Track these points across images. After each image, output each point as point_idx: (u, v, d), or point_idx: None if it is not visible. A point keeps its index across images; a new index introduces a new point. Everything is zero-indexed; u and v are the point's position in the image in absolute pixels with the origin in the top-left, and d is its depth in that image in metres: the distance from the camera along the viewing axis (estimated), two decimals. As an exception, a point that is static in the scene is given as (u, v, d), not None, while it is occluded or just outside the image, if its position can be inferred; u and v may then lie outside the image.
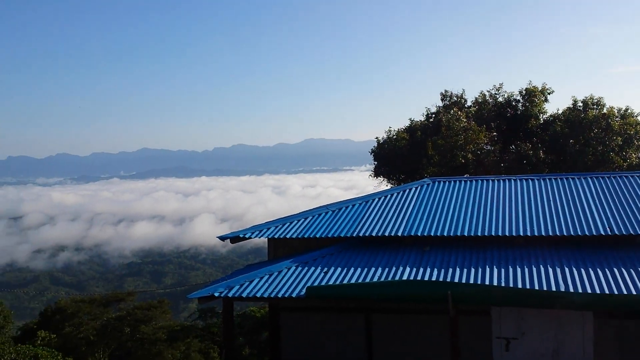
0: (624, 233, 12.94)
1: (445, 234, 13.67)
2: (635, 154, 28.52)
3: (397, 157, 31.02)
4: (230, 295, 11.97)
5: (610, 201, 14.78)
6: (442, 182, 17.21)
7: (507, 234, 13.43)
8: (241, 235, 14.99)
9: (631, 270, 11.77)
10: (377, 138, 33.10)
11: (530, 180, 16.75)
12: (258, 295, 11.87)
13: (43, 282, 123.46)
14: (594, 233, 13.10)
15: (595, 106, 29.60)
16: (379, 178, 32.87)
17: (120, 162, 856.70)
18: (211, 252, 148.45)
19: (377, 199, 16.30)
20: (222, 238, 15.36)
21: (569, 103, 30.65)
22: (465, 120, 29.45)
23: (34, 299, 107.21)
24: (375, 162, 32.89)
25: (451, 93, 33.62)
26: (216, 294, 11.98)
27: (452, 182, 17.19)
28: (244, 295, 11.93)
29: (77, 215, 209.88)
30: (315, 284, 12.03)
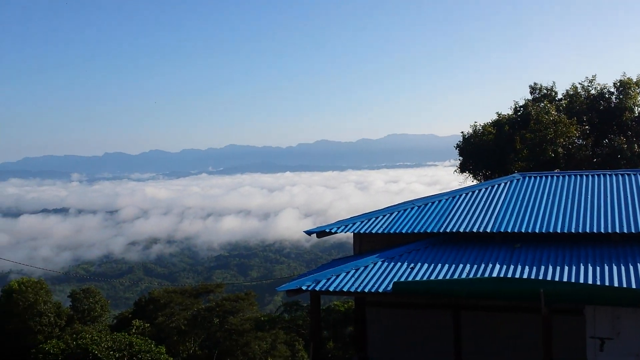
0: None
1: (537, 230, 13.27)
2: None
3: (484, 151, 30.30)
4: (317, 288, 12.16)
5: None
6: (532, 177, 16.71)
7: (601, 230, 12.89)
8: (327, 230, 15.16)
9: None
10: (462, 133, 32.45)
11: (625, 176, 15.95)
12: (345, 289, 11.98)
13: (137, 273, 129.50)
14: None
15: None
16: (464, 173, 32.24)
17: (208, 158, 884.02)
18: (295, 247, 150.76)
19: (464, 195, 16.03)
20: (309, 232, 15.59)
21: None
22: (555, 113, 28.41)
23: (128, 289, 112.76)
24: (461, 157, 32.24)
25: (541, 86, 32.51)
26: (304, 287, 12.21)
27: (543, 177, 16.65)
28: (331, 289, 12.08)
29: (168, 209, 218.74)
30: (402, 279, 12.01)
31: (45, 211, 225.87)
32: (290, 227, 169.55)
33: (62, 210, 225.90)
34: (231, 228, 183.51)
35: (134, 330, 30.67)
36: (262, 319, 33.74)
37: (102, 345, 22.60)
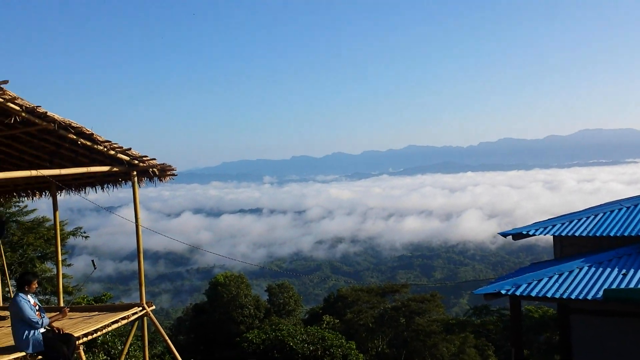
0: None
1: None
2: None
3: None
4: (517, 293, 11.68)
5: None
6: None
7: None
8: (524, 232, 14.48)
9: None
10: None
11: None
12: (548, 295, 11.37)
13: (325, 270, 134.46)
14: None
15: None
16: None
17: (388, 159, 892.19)
18: (479, 248, 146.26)
19: (682, 195, 14.42)
20: (504, 234, 15.02)
21: None
22: None
23: (317, 286, 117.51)
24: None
25: None
26: (503, 292, 11.79)
27: None
28: (533, 294, 11.53)
29: (352, 209, 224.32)
30: (613, 286, 11.11)
31: (242, 211, 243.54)
32: (474, 228, 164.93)
33: (257, 211, 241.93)
34: (413, 228, 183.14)
35: (324, 325, 31.88)
36: (451, 321, 33.17)
37: (297, 337, 23.82)
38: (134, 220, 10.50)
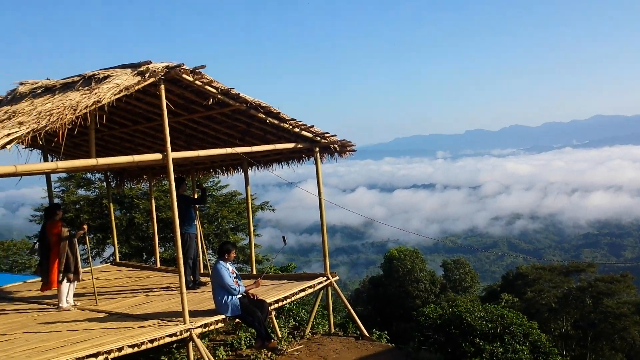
0: None
1: None
2: None
3: None
4: None
5: None
6: None
7: None
8: None
9: None
10: None
11: None
12: None
13: (501, 247, 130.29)
14: None
15: None
16: None
17: (572, 130, 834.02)
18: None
19: None
20: None
21: None
22: None
23: (493, 263, 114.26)
24: None
25: None
26: None
27: None
28: None
29: (530, 184, 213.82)
30: None
31: (414, 186, 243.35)
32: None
33: (430, 186, 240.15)
34: (600, 204, 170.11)
35: (502, 304, 30.97)
36: (644, 304, 30.57)
37: (475, 314, 23.43)
38: (316, 194, 10.97)
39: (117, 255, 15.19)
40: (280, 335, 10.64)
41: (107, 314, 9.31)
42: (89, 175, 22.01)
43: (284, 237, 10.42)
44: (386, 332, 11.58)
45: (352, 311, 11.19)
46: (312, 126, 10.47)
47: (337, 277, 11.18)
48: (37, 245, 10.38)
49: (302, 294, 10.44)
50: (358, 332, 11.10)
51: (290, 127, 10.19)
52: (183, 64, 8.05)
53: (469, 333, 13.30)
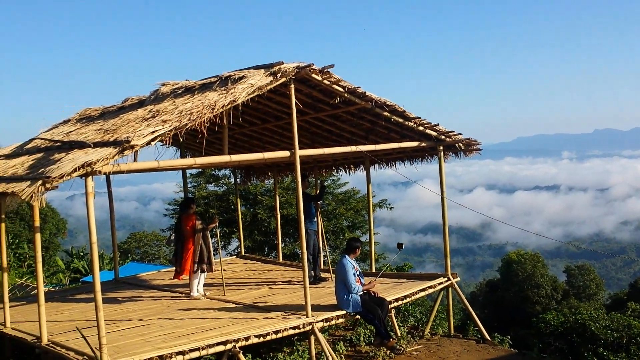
0: None
1: None
2: None
3: None
4: None
5: None
6: None
7: None
8: None
9: None
10: None
11: None
12: None
13: (629, 253, 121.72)
14: None
15: None
16: None
17: None
18: None
19: None
20: None
21: None
22: None
23: (620, 270, 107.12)
24: None
25: None
26: None
27: None
28: None
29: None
30: None
31: (537, 188, 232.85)
32: None
33: (553, 187, 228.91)
34: None
35: (629, 313, 29.10)
36: None
37: (600, 323, 22.24)
38: (438, 193, 10.85)
39: (243, 248, 15.85)
40: (399, 334, 10.62)
41: (234, 304, 9.75)
42: (217, 172, 23.16)
43: (400, 244, 10.43)
44: (508, 337, 11.21)
45: (474, 313, 10.95)
46: (437, 124, 10.33)
47: (458, 279, 11.01)
48: (172, 237, 11.07)
49: (422, 293, 10.37)
50: (479, 336, 10.85)
51: (415, 125, 10.14)
52: (313, 64, 8.26)
53: (593, 342, 12.64)
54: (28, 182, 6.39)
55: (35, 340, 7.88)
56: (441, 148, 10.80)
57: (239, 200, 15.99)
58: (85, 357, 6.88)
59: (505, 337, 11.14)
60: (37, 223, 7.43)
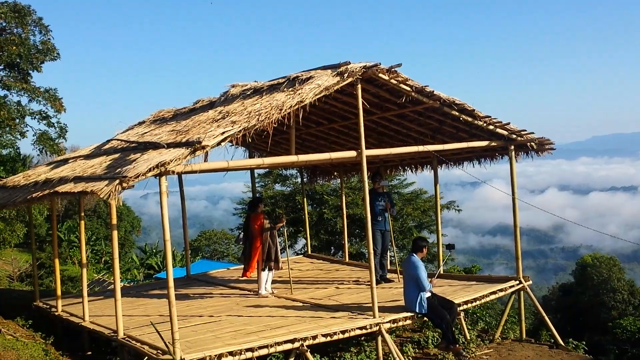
0: None
1: None
2: None
3: None
4: None
5: None
6: None
7: None
8: None
9: None
10: None
11: None
12: None
13: None
14: None
15: None
16: None
17: None
18: None
19: None
20: None
21: None
22: None
23: None
24: None
25: None
26: None
27: None
28: None
29: None
30: None
31: (613, 189, 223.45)
32: None
33: (631, 189, 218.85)
34: None
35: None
36: None
37: None
38: (509, 194, 10.60)
39: (309, 247, 15.96)
40: (468, 337, 10.42)
41: (301, 303, 9.82)
42: (284, 171, 23.44)
43: (450, 245, 10.32)
44: (583, 343, 10.79)
45: (547, 318, 10.61)
46: (508, 123, 10.07)
47: (530, 282, 10.69)
48: (241, 235, 11.28)
49: (493, 296, 10.15)
50: (552, 341, 10.50)
51: (484, 124, 9.91)
52: (379, 64, 8.23)
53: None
54: (106, 182, 6.67)
55: (112, 334, 8.23)
56: (512, 147, 10.52)
57: (305, 200, 16.13)
58: (159, 351, 7.10)
59: (580, 342, 10.73)
60: (115, 221, 7.72)
